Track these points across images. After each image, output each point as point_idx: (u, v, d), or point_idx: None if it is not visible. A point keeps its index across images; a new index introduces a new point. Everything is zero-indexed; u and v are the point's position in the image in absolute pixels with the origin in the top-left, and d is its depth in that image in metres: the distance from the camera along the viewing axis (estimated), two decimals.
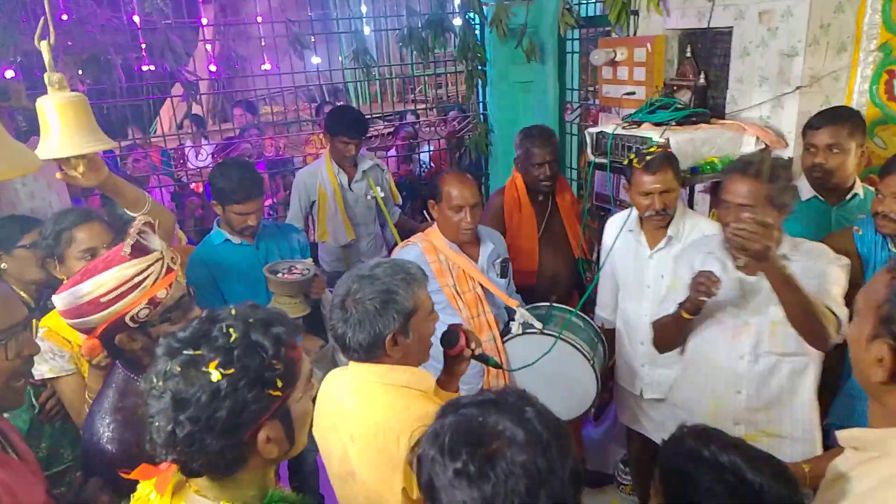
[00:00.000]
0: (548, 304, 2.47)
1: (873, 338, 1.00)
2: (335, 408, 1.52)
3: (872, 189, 2.33)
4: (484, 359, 1.76)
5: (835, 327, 1.78)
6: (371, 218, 3.42)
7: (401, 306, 1.43)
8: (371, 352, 1.44)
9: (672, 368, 2.27)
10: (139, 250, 1.44)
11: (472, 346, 1.67)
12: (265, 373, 0.99)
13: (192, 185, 4.59)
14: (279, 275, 2.25)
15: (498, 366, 1.83)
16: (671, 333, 2.09)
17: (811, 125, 2.27)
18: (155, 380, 1.00)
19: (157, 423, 0.98)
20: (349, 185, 3.32)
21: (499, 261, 2.49)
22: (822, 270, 1.86)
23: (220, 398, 0.96)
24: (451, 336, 1.65)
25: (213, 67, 5.04)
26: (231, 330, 1.00)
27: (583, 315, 2.48)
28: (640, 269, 2.43)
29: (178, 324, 1.48)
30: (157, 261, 1.44)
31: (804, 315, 1.75)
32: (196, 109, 5.49)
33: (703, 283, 1.81)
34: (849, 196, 2.29)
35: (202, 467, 1.00)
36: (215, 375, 0.96)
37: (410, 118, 5.40)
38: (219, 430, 0.96)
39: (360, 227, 3.38)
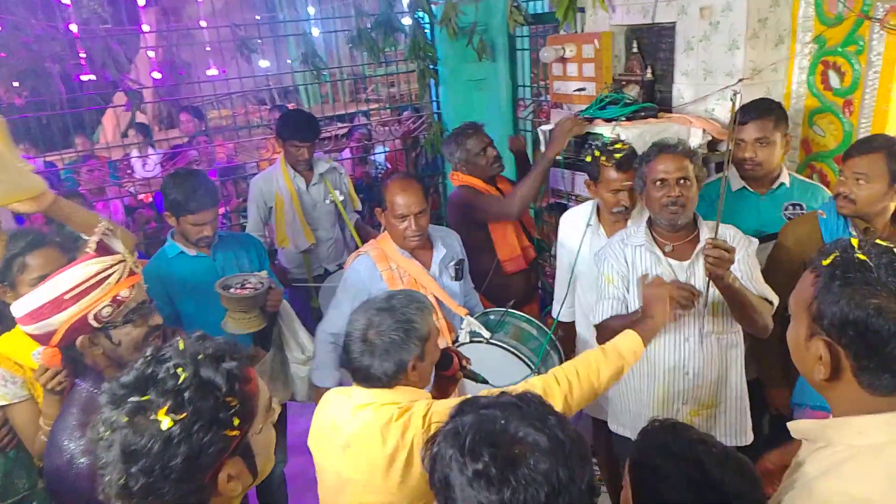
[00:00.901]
0: (503, 309, 2.45)
1: (810, 337, 1.03)
2: (334, 427, 1.57)
3: (798, 176, 2.46)
4: (472, 375, 1.85)
5: (771, 314, 1.94)
6: (331, 222, 3.39)
7: (419, 333, 1.53)
8: (395, 378, 1.52)
9: None
10: (104, 249, 1.46)
11: (464, 362, 1.80)
12: (220, 413, 0.94)
13: (142, 197, 4.46)
14: (231, 290, 2.19)
15: (485, 381, 1.87)
16: None
17: (737, 120, 2.33)
18: (102, 429, 0.94)
19: (108, 477, 0.92)
20: (306, 188, 3.29)
21: (452, 264, 2.49)
22: (744, 255, 2.01)
23: (173, 445, 0.90)
24: (445, 358, 1.74)
25: (156, 74, 4.91)
26: (179, 370, 0.95)
27: (538, 323, 2.45)
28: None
29: (140, 328, 1.50)
30: (120, 262, 1.45)
31: (751, 315, 1.90)
32: (141, 118, 5.33)
33: (687, 298, 1.83)
34: (775, 185, 2.39)
35: None
36: (166, 423, 0.90)
37: (363, 119, 5.36)
38: (175, 479, 0.91)
39: (320, 231, 3.35)
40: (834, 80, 2.44)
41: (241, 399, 0.98)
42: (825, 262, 1.01)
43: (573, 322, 2.67)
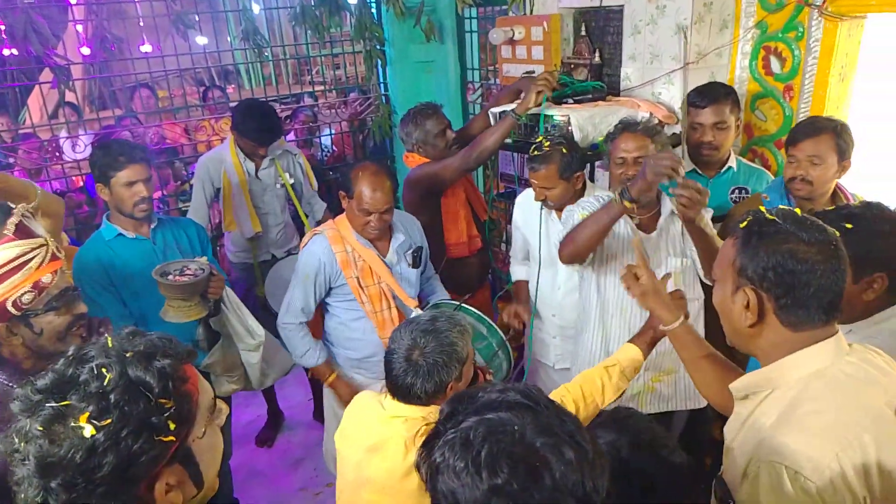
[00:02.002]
0: (456, 303, 2.41)
1: (735, 291, 1.17)
2: (363, 428, 1.64)
3: (744, 160, 2.52)
4: None
5: None
6: (280, 207, 3.27)
7: (459, 356, 1.60)
8: (433, 398, 1.58)
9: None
10: (23, 232, 1.39)
11: (489, 377, 1.88)
12: (152, 417, 0.85)
13: (73, 179, 4.21)
14: (169, 277, 2.10)
15: None
16: (599, 230, 1.98)
17: (694, 104, 2.38)
18: (16, 440, 0.83)
19: (22, 494, 0.82)
20: (255, 173, 3.16)
21: (409, 252, 2.46)
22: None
23: (98, 455, 0.81)
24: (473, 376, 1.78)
25: (85, 50, 4.62)
26: (104, 370, 0.85)
27: (489, 321, 2.38)
28: (553, 243, 2.48)
29: (64, 316, 1.44)
30: (41, 245, 1.39)
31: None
32: (70, 97, 5.02)
33: (668, 167, 1.72)
34: (723, 168, 2.45)
35: None
36: (88, 430, 0.80)
37: (308, 101, 5.21)
38: (103, 493, 0.82)
39: (269, 216, 3.23)
40: (775, 65, 2.50)
41: (177, 400, 0.88)
42: (742, 226, 1.17)
43: (527, 281, 2.70)
